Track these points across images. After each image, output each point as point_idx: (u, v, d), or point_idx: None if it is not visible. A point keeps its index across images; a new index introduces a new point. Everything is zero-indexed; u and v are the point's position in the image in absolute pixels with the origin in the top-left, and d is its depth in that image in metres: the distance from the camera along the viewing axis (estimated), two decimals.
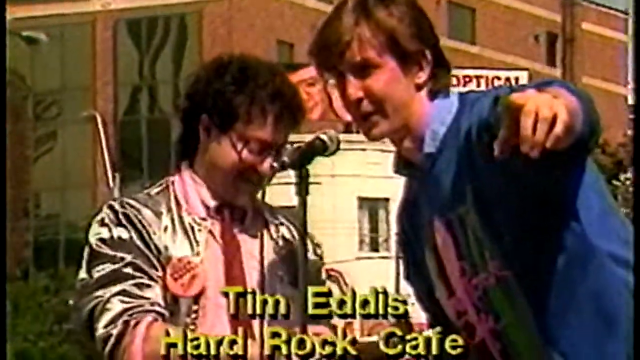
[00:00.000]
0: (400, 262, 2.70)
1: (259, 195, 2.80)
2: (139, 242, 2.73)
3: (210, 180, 2.79)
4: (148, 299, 2.69)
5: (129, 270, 2.71)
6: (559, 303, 2.47)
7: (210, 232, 2.78)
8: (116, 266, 2.71)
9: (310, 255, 2.84)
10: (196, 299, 2.73)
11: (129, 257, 2.71)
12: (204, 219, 2.77)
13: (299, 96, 2.83)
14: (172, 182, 2.82)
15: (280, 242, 2.82)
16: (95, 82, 33.59)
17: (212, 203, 2.80)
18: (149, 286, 2.71)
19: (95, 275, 2.73)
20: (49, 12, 31.96)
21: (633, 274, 2.46)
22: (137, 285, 2.71)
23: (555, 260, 2.46)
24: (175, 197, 2.80)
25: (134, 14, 32.65)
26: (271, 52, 29.24)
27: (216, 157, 2.78)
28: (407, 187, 2.65)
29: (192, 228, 2.76)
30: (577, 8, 20.48)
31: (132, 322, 2.67)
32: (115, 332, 2.67)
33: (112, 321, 2.68)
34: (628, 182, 23.05)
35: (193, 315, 2.73)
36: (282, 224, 2.84)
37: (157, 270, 2.72)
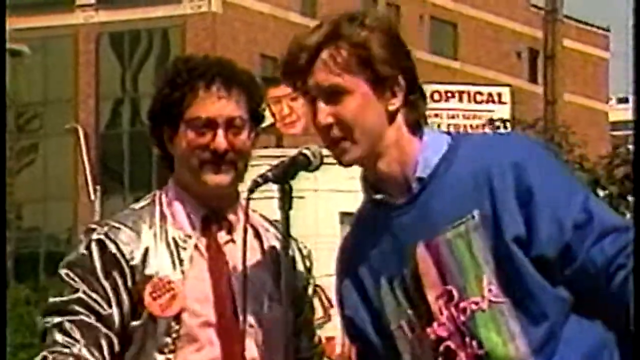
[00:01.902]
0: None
1: (244, 204, 2.79)
2: (100, 274, 2.71)
3: (187, 185, 2.79)
4: (75, 341, 2.68)
5: (75, 306, 2.69)
6: (554, 324, 2.48)
7: (197, 246, 2.76)
8: (68, 298, 2.70)
9: (300, 267, 2.84)
10: (177, 318, 2.72)
11: (80, 292, 2.70)
12: (189, 236, 2.75)
13: (242, 71, 2.79)
14: (159, 196, 2.81)
15: (270, 253, 2.81)
16: (78, 95, 33.54)
17: (199, 216, 2.78)
18: (88, 325, 2.69)
19: (53, 300, 2.74)
20: (31, 24, 31.91)
21: (633, 274, 2.47)
22: (75, 323, 2.69)
23: (560, 290, 2.47)
24: (162, 211, 2.79)
25: (116, 27, 32.60)
26: (254, 66, 29.24)
27: (178, 155, 2.79)
28: (364, 212, 2.62)
29: (177, 245, 2.75)
30: (558, 25, 20.51)
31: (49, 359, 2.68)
32: (39, 359, 2.70)
33: (46, 347, 2.70)
34: (606, 200, 23.07)
35: (174, 335, 2.72)
36: (273, 235, 2.81)
37: (110, 307, 2.70)
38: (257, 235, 2.80)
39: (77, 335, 2.69)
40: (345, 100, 2.46)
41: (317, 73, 2.45)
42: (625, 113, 46.09)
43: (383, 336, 2.57)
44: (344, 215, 25.60)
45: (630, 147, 24.34)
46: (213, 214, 2.78)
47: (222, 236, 2.76)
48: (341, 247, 2.67)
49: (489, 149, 2.55)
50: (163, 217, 2.78)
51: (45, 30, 32.71)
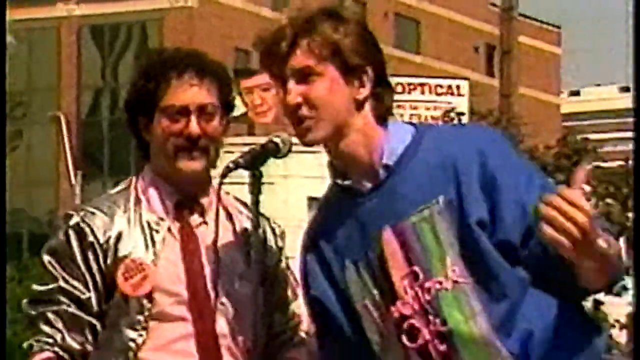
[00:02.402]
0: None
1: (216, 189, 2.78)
2: (78, 259, 2.72)
3: (162, 171, 2.78)
4: (59, 331, 2.70)
5: (57, 295, 2.71)
6: (514, 302, 2.48)
7: (169, 229, 2.75)
8: (50, 287, 2.72)
9: (272, 245, 2.84)
10: (150, 297, 2.71)
11: (61, 280, 2.71)
12: (162, 219, 2.75)
13: (213, 61, 2.80)
14: (135, 182, 2.80)
15: (241, 234, 2.80)
16: (60, 84, 33.35)
17: (172, 201, 2.77)
18: (70, 314, 2.70)
19: (37, 287, 2.75)
20: (16, 17, 31.68)
21: (633, 273, 2.48)
22: (57, 313, 2.70)
23: (519, 270, 2.48)
24: (136, 196, 2.78)
25: (97, 20, 32.44)
26: (229, 59, 29.11)
27: (153, 143, 2.78)
28: (330, 198, 2.60)
29: (150, 228, 2.74)
30: (514, 22, 20.55)
31: (35, 348, 2.71)
32: (26, 345, 2.73)
33: (32, 335, 2.72)
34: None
35: (146, 313, 2.71)
36: (245, 216, 2.80)
37: (88, 291, 2.70)
38: (230, 217, 2.80)
39: (60, 325, 2.70)
40: (315, 82, 2.47)
41: (292, 59, 2.46)
42: (575, 105, 46.19)
43: (348, 315, 2.56)
44: (312, 200, 25.65)
45: (579, 137, 24.51)
46: (186, 199, 2.78)
47: (195, 219, 2.76)
48: (307, 229, 2.67)
49: (454, 138, 2.55)
50: (138, 201, 2.77)
51: (29, 22, 32.48)
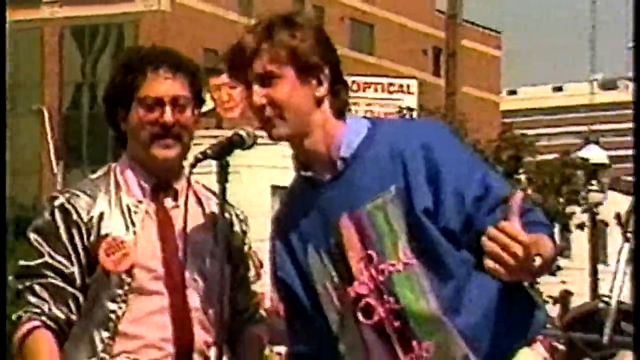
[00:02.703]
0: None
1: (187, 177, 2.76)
2: (63, 236, 2.70)
3: (138, 158, 2.77)
4: (45, 302, 2.67)
5: (42, 269, 2.69)
6: (459, 282, 2.49)
7: (147, 211, 2.75)
8: (36, 262, 2.69)
9: (237, 229, 2.85)
10: (129, 273, 2.70)
11: (47, 256, 2.69)
12: (140, 202, 2.75)
13: (185, 58, 2.81)
14: (114, 168, 2.80)
15: (211, 218, 2.78)
16: (44, 80, 33.15)
17: (149, 185, 2.77)
18: (56, 287, 2.68)
19: (23, 263, 2.72)
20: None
21: (633, 272, 2.47)
22: (43, 285, 2.68)
23: (463, 253, 2.49)
24: (116, 181, 2.78)
25: (78, 21, 32.28)
26: (198, 58, 29.02)
27: (130, 132, 2.74)
28: (295, 188, 2.61)
29: (129, 209, 2.74)
30: (458, 27, 20.67)
31: (24, 318, 2.68)
32: (14, 316, 2.71)
33: (21, 307, 2.70)
34: None
35: (125, 287, 2.70)
36: (214, 202, 2.79)
37: (72, 265, 2.69)
38: (199, 202, 2.80)
39: (46, 296, 2.68)
40: (276, 84, 2.47)
41: (255, 64, 2.47)
42: (513, 103, 46.48)
43: (310, 295, 2.57)
44: (275, 188, 25.65)
45: (517, 132, 24.63)
46: (161, 183, 2.77)
47: (169, 202, 2.76)
48: (275, 216, 2.68)
49: (403, 132, 2.56)
50: (117, 185, 2.77)
51: (15, 23, 32.18)
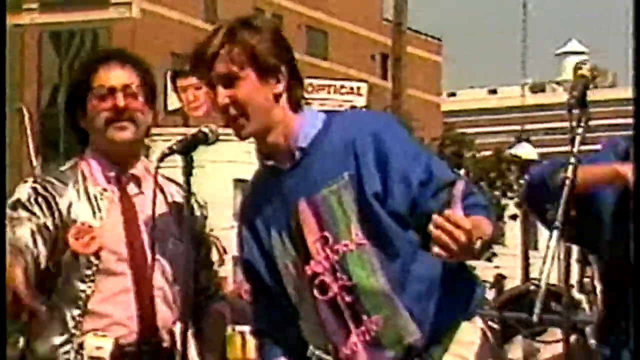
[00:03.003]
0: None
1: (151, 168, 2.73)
2: (43, 205, 2.68)
3: (100, 149, 2.74)
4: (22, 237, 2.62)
5: (19, 232, 2.64)
6: (406, 261, 2.49)
7: (112, 199, 2.73)
8: (12, 230, 2.64)
9: (198, 214, 2.84)
10: (97, 255, 2.68)
11: (24, 224, 2.66)
12: (105, 190, 2.73)
13: (134, 54, 2.81)
14: (80, 161, 2.78)
15: (172, 205, 2.76)
16: (23, 81, 32.82)
17: (112, 173, 2.75)
18: (27, 240, 2.62)
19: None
20: None
21: (633, 274, 2.47)
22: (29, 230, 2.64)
23: (410, 233, 2.49)
24: (82, 172, 2.75)
25: (56, 27, 32.04)
26: (167, 62, 28.93)
27: (88, 124, 2.72)
28: (259, 177, 2.61)
29: (96, 197, 2.73)
30: (403, 35, 20.78)
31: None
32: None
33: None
34: None
35: (94, 269, 2.68)
36: (175, 190, 2.79)
37: (53, 228, 2.65)
38: (162, 190, 2.78)
39: (26, 233, 2.64)
40: (238, 85, 2.46)
41: (217, 66, 2.44)
42: (453, 104, 46.67)
43: (273, 274, 2.57)
44: (237, 181, 25.64)
45: (458, 131, 24.84)
46: (123, 172, 2.75)
47: (132, 189, 2.75)
48: (241, 203, 2.66)
49: (354, 122, 2.55)
50: (84, 177, 2.75)
51: None
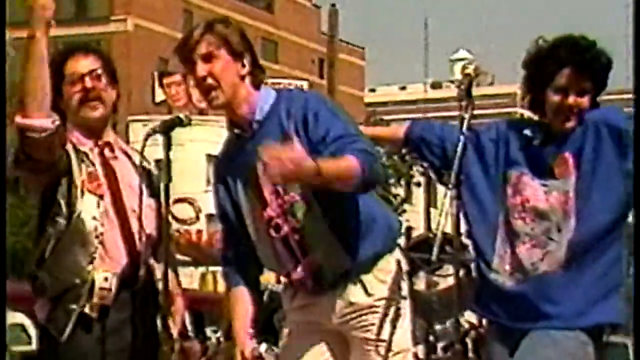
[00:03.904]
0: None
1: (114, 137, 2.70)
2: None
3: (77, 124, 2.65)
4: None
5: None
6: (342, 207, 2.49)
7: (93, 163, 2.68)
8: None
9: (154, 173, 2.76)
10: (99, 201, 2.58)
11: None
12: (91, 149, 2.66)
13: (98, 48, 2.80)
14: (67, 135, 2.66)
15: (140, 167, 2.72)
16: None
17: (90, 141, 2.66)
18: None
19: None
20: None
21: (634, 270, 2.46)
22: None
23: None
24: (69, 139, 2.64)
25: (66, 39, 31.32)
26: (154, 65, 28.62)
27: (66, 106, 2.65)
28: (228, 144, 2.61)
29: (86, 154, 2.63)
30: (335, 44, 20.85)
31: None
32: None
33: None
34: None
35: (101, 209, 2.57)
36: (138, 157, 2.73)
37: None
38: (128, 155, 2.70)
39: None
40: (215, 61, 2.49)
41: (198, 47, 2.48)
42: (373, 98, 46.76)
43: (239, 217, 2.58)
44: (209, 156, 25.52)
45: (377, 117, 24.95)
46: (98, 140, 2.65)
47: (107, 153, 2.69)
48: (215, 162, 2.66)
49: (294, 98, 2.54)
50: (71, 142, 2.64)
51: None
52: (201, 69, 2.48)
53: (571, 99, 2.46)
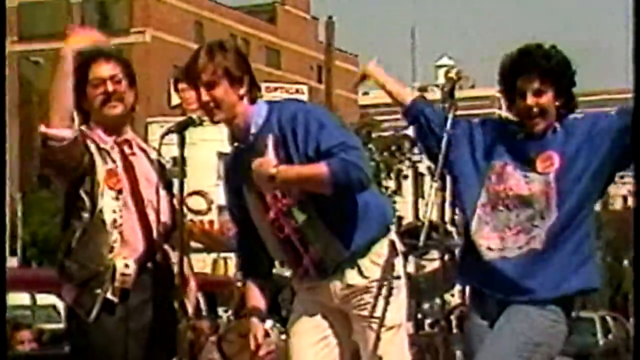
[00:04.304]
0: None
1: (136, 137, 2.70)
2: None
3: (99, 122, 2.66)
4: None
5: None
6: (336, 205, 2.50)
7: (114, 158, 2.68)
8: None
9: (168, 168, 2.76)
10: (120, 191, 2.59)
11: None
12: (112, 147, 2.67)
13: (118, 53, 2.77)
14: (86, 130, 2.67)
15: (155, 164, 2.72)
16: None
17: (111, 138, 2.66)
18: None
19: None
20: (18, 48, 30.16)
21: (633, 273, 2.48)
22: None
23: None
24: (91, 137, 2.65)
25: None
26: (169, 72, 28.65)
27: (90, 106, 2.66)
28: (232, 154, 2.64)
29: (108, 152, 2.65)
30: (332, 53, 20.84)
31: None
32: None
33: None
34: None
35: (120, 202, 2.58)
36: (154, 154, 2.74)
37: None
38: (145, 152, 2.72)
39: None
40: (216, 88, 2.52)
41: (202, 76, 2.51)
42: (366, 100, 46.85)
43: (247, 218, 2.60)
44: (220, 154, 25.62)
45: (369, 118, 25.00)
46: (118, 137, 2.66)
47: (126, 149, 2.69)
48: (224, 170, 2.69)
49: (284, 109, 2.55)
50: (93, 139, 2.65)
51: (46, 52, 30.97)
52: (204, 95, 2.52)
53: (529, 100, 2.50)
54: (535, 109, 2.50)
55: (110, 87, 2.64)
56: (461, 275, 2.60)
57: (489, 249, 2.51)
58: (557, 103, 2.51)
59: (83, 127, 2.66)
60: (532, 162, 2.53)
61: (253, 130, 2.54)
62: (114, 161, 2.63)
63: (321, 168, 2.42)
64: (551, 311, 2.49)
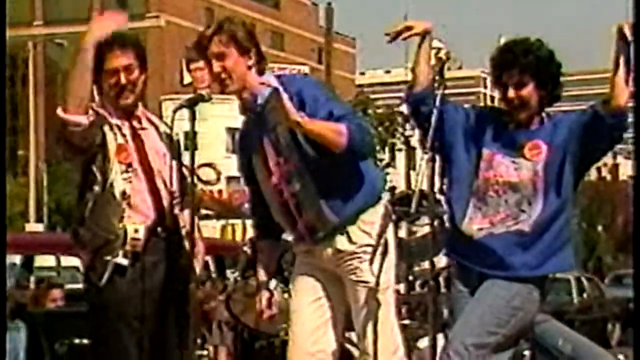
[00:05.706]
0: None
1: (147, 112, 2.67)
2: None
3: (111, 106, 2.63)
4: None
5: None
6: (330, 175, 2.50)
7: (124, 134, 2.66)
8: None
9: (175, 139, 2.73)
10: (127, 168, 2.57)
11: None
12: (123, 123, 2.64)
13: (133, 39, 2.72)
14: (99, 108, 2.63)
15: (164, 136, 2.70)
16: None
17: (123, 119, 2.63)
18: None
19: None
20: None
21: (633, 269, 2.49)
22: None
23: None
24: (103, 115, 2.61)
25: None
26: (182, 54, 28.52)
27: (104, 94, 2.63)
28: (244, 124, 2.64)
29: (119, 128, 2.61)
30: (331, 36, 20.69)
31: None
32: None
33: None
34: None
35: (130, 174, 2.58)
36: (164, 127, 2.72)
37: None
38: (155, 125, 2.69)
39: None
40: (226, 59, 2.51)
41: (211, 47, 2.49)
42: (362, 79, 46.49)
43: (256, 183, 2.62)
44: (228, 129, 25.56)
45: (365, 96, 24.89)
46: (129, 114, 2.64)
47: (136, 125, 2.67)
48: (237, 141, 2.67)
49: (291, 83, 2.53)
50: (104, 117, 2.61)
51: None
52: (216, 66, 2.50)
53: (510, 92, 2.53)
54: (516, 101, 2.53)
55: (123, 79, 2.60)
56: (449, 251, 2.59)
57: (480, 229, 2.52)
58: (540, 94, 2.52)
59: (95, 105, 2.63)
60: (520, 149, 2.54)
61: (260, 100, 2.52)
62: (124, 136, 2.62)
63: (341, 126, 2.41)
64: (528, 283, 2.52)
